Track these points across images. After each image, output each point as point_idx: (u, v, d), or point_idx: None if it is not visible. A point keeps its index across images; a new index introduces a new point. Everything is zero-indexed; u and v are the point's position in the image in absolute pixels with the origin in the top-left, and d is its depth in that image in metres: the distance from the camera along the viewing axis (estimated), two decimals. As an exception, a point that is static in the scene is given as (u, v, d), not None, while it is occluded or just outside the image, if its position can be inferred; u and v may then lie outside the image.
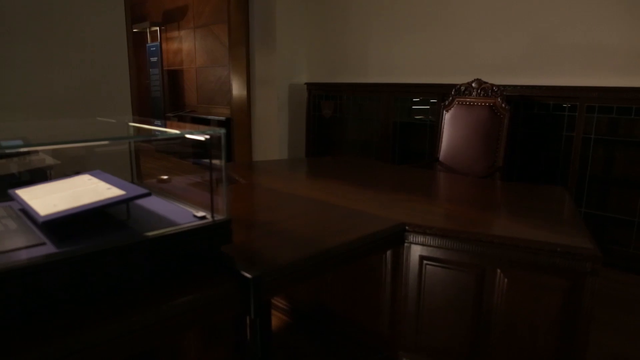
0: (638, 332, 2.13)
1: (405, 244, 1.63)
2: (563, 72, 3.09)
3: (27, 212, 1.23)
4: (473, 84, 3.00)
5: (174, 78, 7.15)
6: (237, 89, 5.25)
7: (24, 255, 0.98)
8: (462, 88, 3.06)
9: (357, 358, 1.85)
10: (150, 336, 1.01)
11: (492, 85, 2.93)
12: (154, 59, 6.96)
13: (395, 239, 1.60)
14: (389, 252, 1.69)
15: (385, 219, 1.65)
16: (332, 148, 4.67)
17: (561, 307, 1.45)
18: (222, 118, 5.89)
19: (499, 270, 1.53)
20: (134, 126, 1.57)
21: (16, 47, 3.29)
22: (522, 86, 3.11)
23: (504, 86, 2.99)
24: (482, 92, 2.96)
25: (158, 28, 6.94)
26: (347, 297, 1.89)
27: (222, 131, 1.19)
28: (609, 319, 2.22)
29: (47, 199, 1.21)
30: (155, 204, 1.36)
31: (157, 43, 6.88)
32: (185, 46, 6.78)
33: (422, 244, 1.61)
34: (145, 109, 7.17)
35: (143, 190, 1.21)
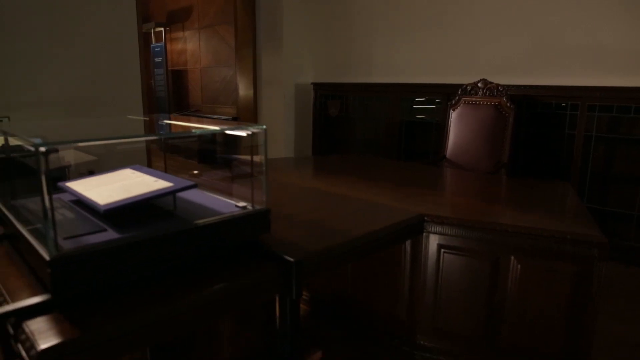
0: (637, 320, 2.25)
1: (424, 234, 1.74)
2: (565, 72, 3.21)
3: (81, 203, 1.32)
4: (479, 84, 3.12)
5: (179, 78, 7.24)
6: (244, 89, 5.35)
7: (92, 239, 1.07)
8: (468, 88, 3.17)
9: (376, 343, 1.96)
10: (202, 316, 1.11)
11: (498, 85, 3.05)
12: (158, 59, 7.04)
13: (415, 228, 1.71)
14: (408, 242, 1.79)
15: (404, 211, 1.75)
16: (338, 147, 4.77)
17: (571, 291, 1.56)
18: (228, 117, 5.98)
19: (512, 257, 1.63)
20: (170, 124, 1.67)
21: (28, 46, 3.38)
22: (525, 86, 3.23)
23: (509, 86, 3.10)
24: (487, 92, 3.08)
25: (163, 29, 7.02)
26: (367, 285, 1.99)
27: (263, 127, 1.30)
28: (611, 307, 2.33)
29: (100, 190, 1.30)
30: (196, 196, 1.46)
31: (162, 43, 6.96)
32: (190, 46, 6.86)
33: (440, 234, 1.72)
34: (149, 108, 7.24)
35: (189, 182, 1.31)
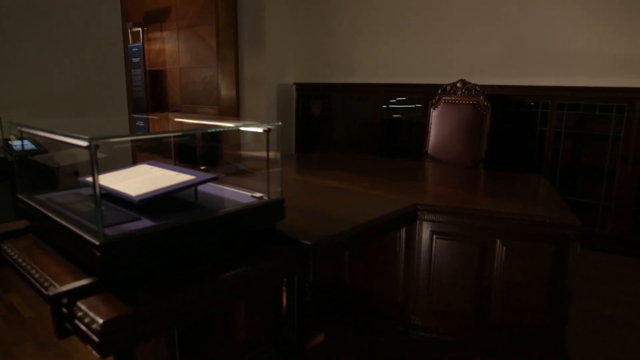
0: (605, 297, 2.47)
1: (418, 221, 1.90)
2: (536, 73, 3.44)
3: (107, 195, 1.41)
4: (458, 84, 3.31)
5: (157, 78, 7.21)
6: (226, 89, 5.41)
7: (129, 227, 1.17)
8: (448, 88, 3.36)
9: (374, 325, 2.10)
10: (231, 296, 1.22)
11: (475, 85, 3.25)
12: (136, 60, 7.00)
13: (410, 217, 1.86)
14: (403, 229, 1.94)
15: (399, 201, 1.90)
16: (320, 145, 4.91)
17: (550, 268, 1.75)
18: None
19: (498, 241, 1.81)
20: (181, 121, 1.76)
21: (15, 47, 3.37)
22: (500, 86, 3.45)
23: (485, 86, 3.31)
24: (466, 92, 3.27)
25: (140, 29, 6.98)
26: (364, 272, 2.13)
27: (278, 124, 1.41)
28: (581, 287, 2.56)
29: (127, 183, 1.39)
30: (211, 188, 1.56)
31: (140, 44, 6.93)
32: (169, 47, 6.86)
33: (433, 221, 1.87)
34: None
35: (211, 175, 1.42)
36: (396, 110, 4.30)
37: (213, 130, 1.53)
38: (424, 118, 3.87)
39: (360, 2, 4.49)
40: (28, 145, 3.12)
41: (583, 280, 2.64)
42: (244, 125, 1.50)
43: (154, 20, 6.95)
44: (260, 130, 1.44)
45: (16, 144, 3.12)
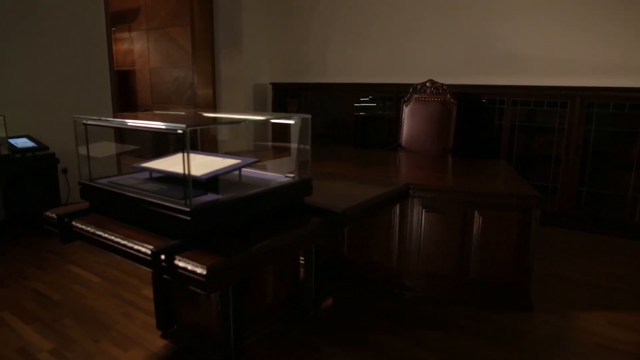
0: (556, 261, 2.96)
1: (410, 198, 2.26)
2: (494, 74, 3.94)
3: (155, 179, 1.66)
4: (427, 84, 3.74)
5: (125, 78, 7.23)
6: (202, 89, 5.60)
7: (203, 199, 1.44)
8: (418, 87, 3.78)
9: (371, 289, 2.45)
10: (284, 253, 1.52)
11: (443, 84, 3.68)
12: (104, 60, 6.99)
13: (403, 194, 2.22)
14: (397, 205, 2.31)
15: (393, 182, 2.27)
16: (297, 141, 5.20)
17: (517, 232, 2.17)
18: (185, 116, 6.16)
19: (476, 212, 2.21)
20: (206, 116, 2.03)
21: (4, 48, 3.46)
22: (464, 85, 3.91)
23: (451, 85, 3.75)
24: (434, 90, 3.70)
25: (108, 29, 6.98)
26: (361, 246, 2.47)
27: (308, 116, 1.73)
28: (536, 254, 3.03)
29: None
30: (245, 171, 1.84)
31: (108, 44, 6.92)
32: (137, 47, 6.91)
33: (422, 197, 2.25)
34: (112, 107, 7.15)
35: (254, 159, 1.71)
36: (368, 108, 4.68)
37: (246, 122, 1.81)
38: (394, 115, 4.28)
39: (334, 7, 4.84)
40: (28, 142, 3.24)
41: (538, 249, 3.12)
42: (275, 118, 1.79)
43: (122, 20, 6.98)
44: (292, 122, 1.75)
45: (16, 141, 3.23)
